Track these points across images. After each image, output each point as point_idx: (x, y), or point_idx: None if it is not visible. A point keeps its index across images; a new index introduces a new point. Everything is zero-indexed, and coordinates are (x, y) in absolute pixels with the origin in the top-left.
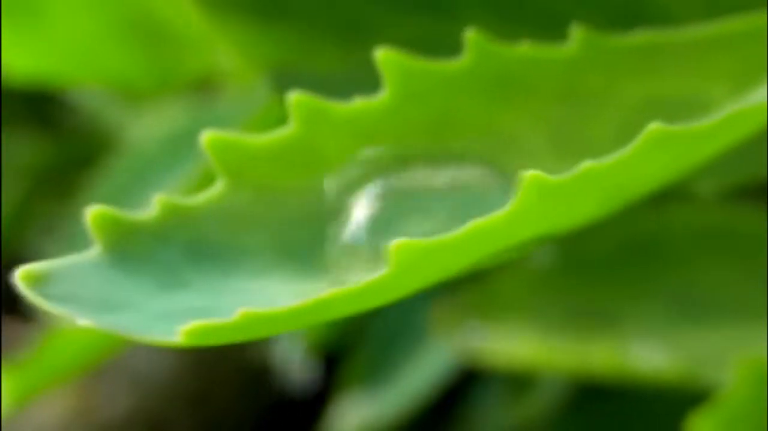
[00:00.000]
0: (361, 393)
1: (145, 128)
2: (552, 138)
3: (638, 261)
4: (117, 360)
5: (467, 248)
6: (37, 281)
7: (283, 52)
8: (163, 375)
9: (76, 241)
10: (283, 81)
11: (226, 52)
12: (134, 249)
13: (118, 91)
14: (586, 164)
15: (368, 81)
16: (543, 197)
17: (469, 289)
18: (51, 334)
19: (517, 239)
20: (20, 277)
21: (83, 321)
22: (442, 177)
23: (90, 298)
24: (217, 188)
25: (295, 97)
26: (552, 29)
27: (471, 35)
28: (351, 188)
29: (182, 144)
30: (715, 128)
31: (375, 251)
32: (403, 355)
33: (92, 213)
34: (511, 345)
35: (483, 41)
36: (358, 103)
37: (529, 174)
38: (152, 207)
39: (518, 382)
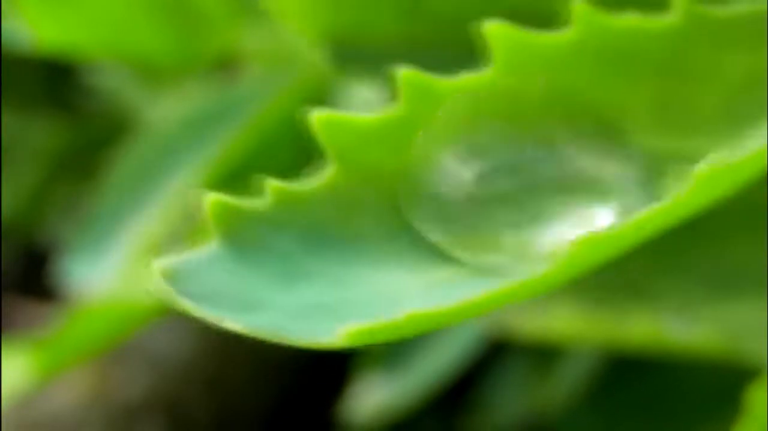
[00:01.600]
0: (379, 374)
1: (165, 109)
2: (657, 112)
3: (672, 235)
4: (135, 341)
5: (635, 238)
6: (172, 279)
7: (342, 24)
8: (181, 357)
9: (96, 224)
10: (342, 53)
11: (290, 23)
12: (252, 239)
13: (141, 67)
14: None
15: (430, 52)
16: (713, 183)
17: None
18: (71, 314)
19: (680, 223)
20: (159, 274)
21: (232, 324)
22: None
23: (221, 295)
24: (328, 171)
25: (403, 73)
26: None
27: (577, 6)
28: (467, 168)
29: (203, 125)
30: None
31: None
32: (421, 337)
33: (211, 202)
34: (546, 317)
35: (589, 12)
36: (465, 78)
37: (703, 168)
38: (265, 194)
39: (540, 364)
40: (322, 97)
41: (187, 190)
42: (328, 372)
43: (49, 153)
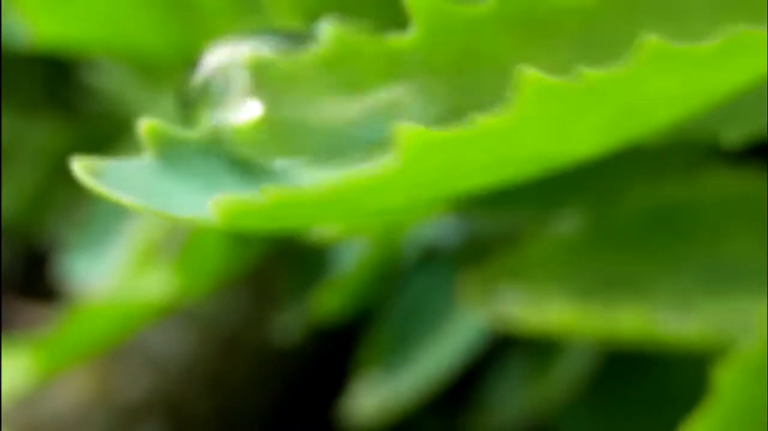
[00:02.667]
0: (380, 372)
1: (165, 108)
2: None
3: (668, 229)
4: (135, 341)
5: (471, 146)
6: (94, 173)
7: (327, 3)
8: (182, 357)
9: (96, 224)
10: None
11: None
12: (181, 159)
13: (139, 63)
14: (588, 72)
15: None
16: (543, 100)
17: (498, 255)
18: (71, 313)
19: (524, 147)
20: (79, 167)
21: (129, 202)
22: None
23: (139, 189)
24: (254, 107)
25: (331, 28)
26: None
27: None
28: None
29: None
30: (718, 49)
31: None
32: (422, 334)
33: (145, 125)
34: (541, 310)
35: None
36: (390, 39)
37: (530, 74)
38: (200, 127)
39: (537, 363)
40: None
41: None
42: (329, 371)
43: (50, 153)
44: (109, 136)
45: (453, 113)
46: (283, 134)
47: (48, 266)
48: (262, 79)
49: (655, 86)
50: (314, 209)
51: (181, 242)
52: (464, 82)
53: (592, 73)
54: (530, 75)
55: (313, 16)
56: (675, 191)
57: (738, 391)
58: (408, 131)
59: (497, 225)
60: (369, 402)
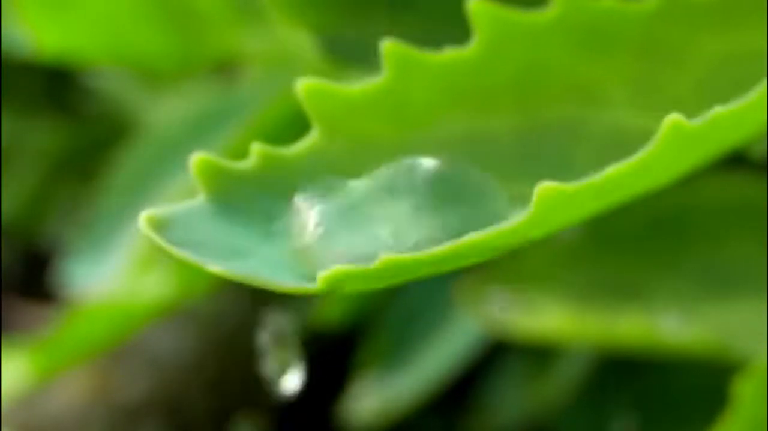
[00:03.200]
0: (378, 375)
1: (165, 111)
2: (632, 91)
3: (666, 234)
4: (135, 342)
5: (604, 192)
6: (160, 228)
7: (332, 16)
8: (181, 358)
9: (97, 226)
10: (333, 45)
11: (277, 17)
12: (237, 197)
13: (140, 72)
14: (718, 111)
15: (420, 39)
16: (681, 141)
17: (495, 263)
18: (71, 315)
19: (648, 182)
20: (146, 223)
21: (215, 268)
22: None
23: (208, 245)
24: (312, 137)
25: (387, 45)
26: None
27: None
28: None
29: (204, 127)
30: None
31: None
32: (421, 338)
33: (196, 161)
34: (539, 317)
35: None
36: (449, 53)
37: (671, 119)
38: (251, 157)
39: (535, 365)
40: None
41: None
42: (329, 372)
43: (50, 155)
44: (110, 138)
45: (519, 133)
46: (340, 165)
47: (48, 268)
48: (321, 110)
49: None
50: (430, 268)
51: None
52: (527, 98)
53: (720, 114)
54: (673, 121)
55: (315, 25)
56: (674, 196)
57: (757, 404)
58: (544, 188)
59: None
60: (369, 404)
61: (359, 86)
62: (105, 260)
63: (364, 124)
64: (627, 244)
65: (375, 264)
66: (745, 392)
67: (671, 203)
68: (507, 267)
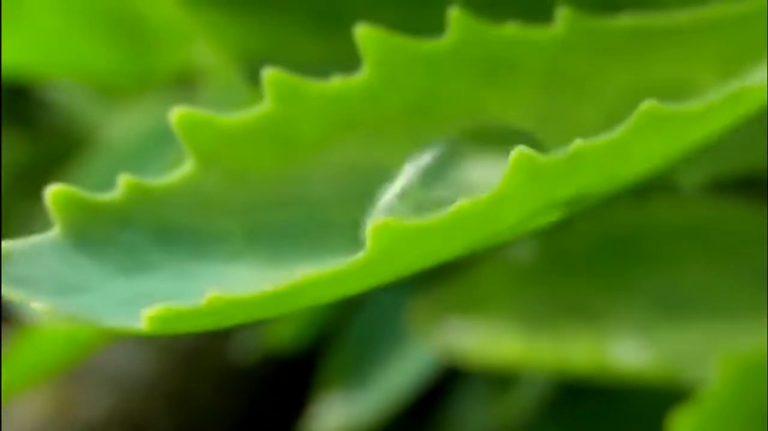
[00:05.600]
0: (340, 393)
1: (122, 125)
2: (537, 122)
3: (619, 257)
4: (95, 359)
5: (452, 232)
6: (4, 259)
7: (257, 42)
8: (143, 375)
9: None
10: (258, 72)
11: (200, 42)
12: (97, 231)
13: (95, 86)
14: (578, 143)
15: (347, 69)
16: (533, 177)
17: (448, 285)
18: (26, 333)
19: (504, 223)
20: None
21: (39, 304)
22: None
23: (48, 280)
24: (186, 168)
25: (269, 74)
26: (536, 14)
27: (455, 14)
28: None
29: (160, 141)
30: (711, 108)
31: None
32: (382, 355)
33: (52, 192)
34: (491, 342)
35: (467, 20)
36: (336, 82)
37: (518, 152)
38: (117, 188)
39: (499, 382)
40: None
41: None
42: (290, 390)
43: (6, 169)
44: (65, 152)
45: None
46: (216, 198)
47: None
48: (196, 140)
49: (642, 148)
50: (258, 311)
51: None
52: (420, 129)
53: (583, 147)
54: (520, 154)
55: (236, 50)
56: (627, 218)
57: None
58: (380, 225)
59: None
60: (332, 423)
61: (238, 116)
62: None
63: (243, 155)
64: (580, 266)
65: (202, 303)
66: (681, 426)
67: (625, 225)
68: (459, 291)
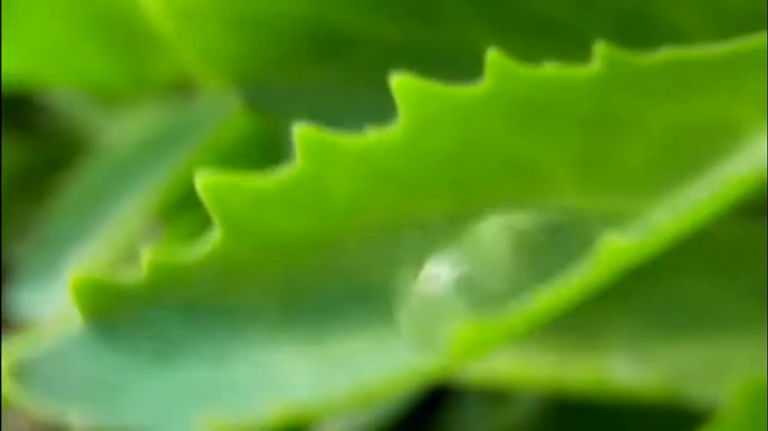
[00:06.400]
0: None
1: (120, 130)
2: (578, 169)
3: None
4: None
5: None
6: (21, 374)
7: (252, 62)
8: None
9: (51, 246)
10: (253, 92)
11: (194, 62)
12: (121, 318)
13: (94, 92)
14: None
15: (346, 92)
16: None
17: None
18: (26, 335)
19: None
20: (4, 372)
21: (78, 420)
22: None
23: (79, 385)
24: (214, 237)
25: (300, 130)
26: (548, 35)
27: (492, 56)
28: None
29: (158, 146)
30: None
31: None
32: None
33: (73, 280)
34: (487, 360)
35: (504, 62)
36: (371, 136)
37: (611, 241)
38: (140, 267)
39: (493, 397)
40: None
41: (138, 215)
42: None
43: (6, 173)
44: (65, 157)
45: (451, 218)
46: (247, 270)
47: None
48: (224, 207)
49: None
50: (322, 414)
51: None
52: (458, 180)
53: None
54: (612, 244)
55: (234, 75)
56: None
57: None
58: (460, 330)
59: None
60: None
61: (265, 178)
62: (54, 284)
63: (274, 219)
64: None
65: (265, 417)
66: None
67: None
68: None
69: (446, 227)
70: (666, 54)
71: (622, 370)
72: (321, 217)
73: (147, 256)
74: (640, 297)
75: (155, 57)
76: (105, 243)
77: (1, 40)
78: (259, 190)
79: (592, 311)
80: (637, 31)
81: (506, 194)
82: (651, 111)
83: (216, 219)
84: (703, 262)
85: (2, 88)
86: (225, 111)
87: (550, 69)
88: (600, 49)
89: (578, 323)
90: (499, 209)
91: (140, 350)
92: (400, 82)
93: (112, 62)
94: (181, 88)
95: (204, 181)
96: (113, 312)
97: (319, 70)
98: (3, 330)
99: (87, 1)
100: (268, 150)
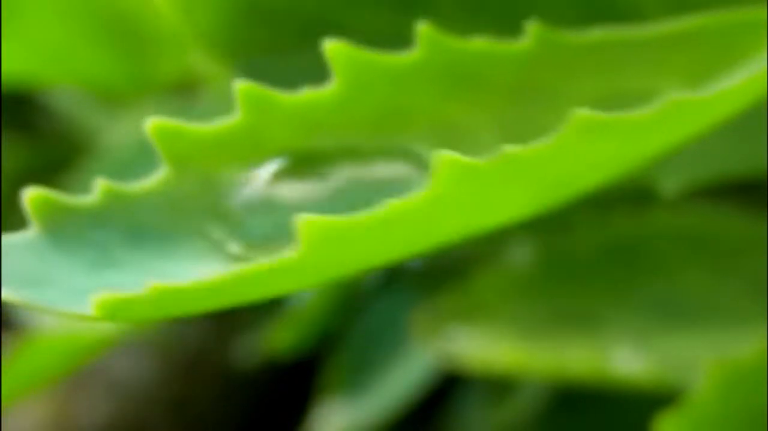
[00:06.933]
0: (341, 398)
1: (121, 130)
2: (504, 134)
3: (618, 265)
4: (95, 366)
5: (382, 231)
6: None
7: (249, 48)
8: (142, 381)
9: None
10: (247, 74)
11: (193, 48)
12: (71, 231)
13: (95, 92)
14: (509, 150)
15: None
16: (461, 180)
17: (449, 291)
18: (27, 339)
19: (437, 226)
20: None
21: (4, 295)
22: (373, 172)
23: (18, 274)
24: (160, 174)
25: (240, 85)
26: (513, 25)
27: (423, 28)
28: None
29: None
30: (654, 118)
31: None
32: (383, 360)
33: (30, 194)
34: (491, 349)
35: (435, 34)
36: (306, 93)
37: (445, 155)
38: (93, 192)
39: (499, 387)
40: None
41: None
42: (291, 395)
43: (7, 173)
44: (67, 156)
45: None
46: (188, 201)
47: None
48: (171, 148)
49: (584, 156)
50: (200, 301)
51: None
52: (388, 140)
53: (512, 152)
54: (446, 157)
55: (228, 52)
56: (626, 225)
57: None
58: (308, 222)
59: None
60: (331, 427)
61: (209, 126)
62: None
63: (215, 162)
64: (579, 274)
65: (144, 291)
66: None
67: (625, 233)
68: (460, 299)
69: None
70: (594, 33)
71: (623, 360)
72: (255, 162)
73: (100, 184)
74: (641, 290)
75: (156, 57)
76: None
77: (1, 39)
78: (202, 135)
79: (595, 304)
80: (594, 12)
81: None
82: (574, 84)
83: (163, 157)
84: (703, 257)
85: (3, 87)
86: (225, 111)
87: (480, 42)
88: (531, 26)
89: (581, 314)
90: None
91: (78, 258)
92: (332, 47)
93: (113, 62)
94: (182, 88)
95: (154, 125)
96: (63, 225)
97: (306, 55)
98: (3, 330)
99: (88, 1)
100: None
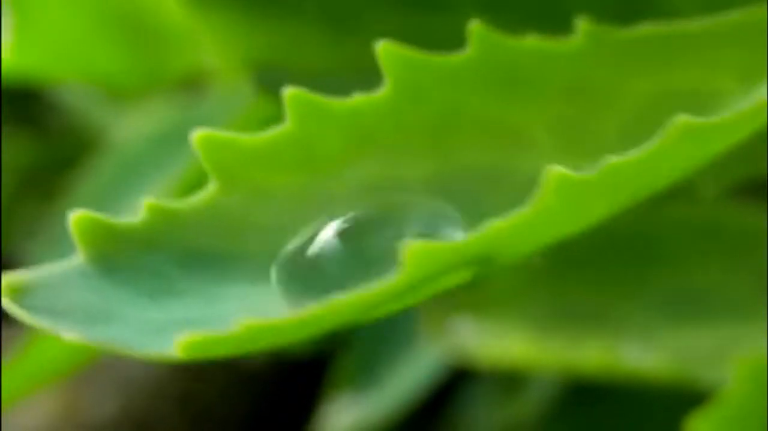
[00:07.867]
0: (350, 394)
1: (131, 127)
2: (558, 133)
3: (630, 260)
4: (103, 361)
5: (485, 250)
6: (20, 293)
7: (268, 49)
8: (150, 376)
9: (61, 243)
10: (269, 78)
11: (210, 49)
12: (121, 257)
13: (104, 88)
14: (610, 161)
15: (358, 77)
16: (566, 195)
17: (460, 288)
18: (36, 337)
19: (537, 240)
20: (3, 289)
21: (69, 334)
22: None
23: (75, 309)
24: (209, 190)
25: (289, 92)
26: (552, 24)
27: (475, 27)
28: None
29: (169, 143)
30: (737, 120)
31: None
32: (392, 356)
33: (75, 218)
34: (502, 344)
35: (487, 33)
36: (357, 98)
37: (553, 172)
38: (140, 212)
39: (509, 382)
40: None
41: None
42: (299, 391)
43: (14, 171)
44: (75, 154)
45: (434, 181)
46: (239, 219)
47: None
48: (218, 161)
49: (678, 160)
50: (292, 333)
51: None
52: (442, 144)
53: (617, 163)
54: (555, 173)
55: (244, 57)
56: (637, 223)
57: None
58: (417, 246)
59: None
60: (341, 423)
61: (260, 136)
62: None
63: (265, 174)
64: (590, 269)
65: (233, 330)
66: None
67: (636, 228)
68: (471, 294)
69: (426, 190)
70: (644, 28)
71: (634, 354)
72: (308, 173)
73: (146, 201)
74: (652, 284)
75: (166, 53)
76: None
77: (12, 34)
78: (250, 146)
79: (606, 298)
80: (631, 10)
81: (487, 158)
82: (628, 82)
83: (210, 172)
84: (714, 250)
85: (13, 84)
86: (233, 108)
87: (532, 41)
88: (581, 24)
89: (592, 308)
90: (480, 172)
91: (136, 286)
92: (385, 49)
93: (123, 58)
94: (192, 84)
95: (199, 137)
96: (112, 250)
97: (332, 52)
98: (12, 326)
99: None
100: None
